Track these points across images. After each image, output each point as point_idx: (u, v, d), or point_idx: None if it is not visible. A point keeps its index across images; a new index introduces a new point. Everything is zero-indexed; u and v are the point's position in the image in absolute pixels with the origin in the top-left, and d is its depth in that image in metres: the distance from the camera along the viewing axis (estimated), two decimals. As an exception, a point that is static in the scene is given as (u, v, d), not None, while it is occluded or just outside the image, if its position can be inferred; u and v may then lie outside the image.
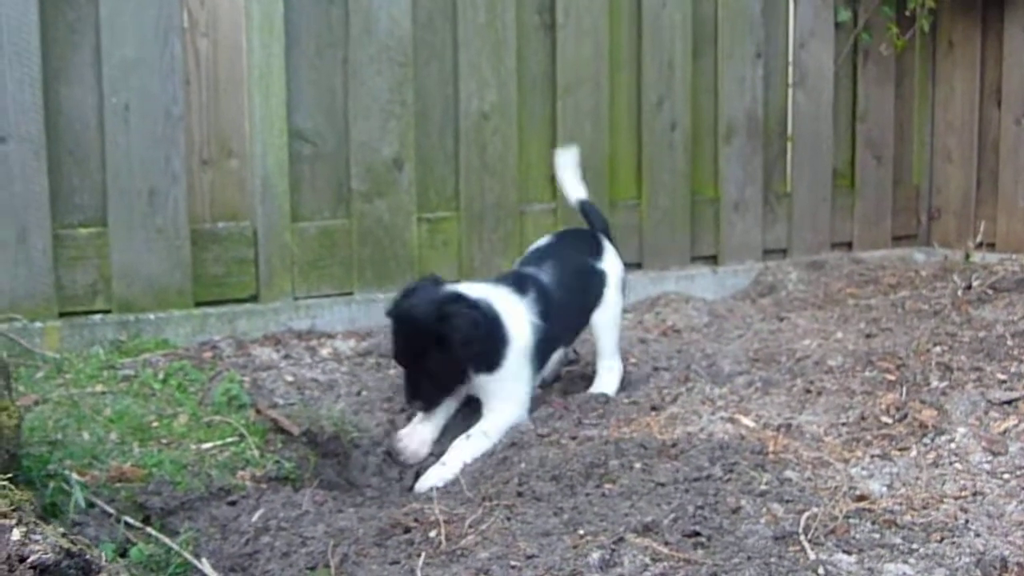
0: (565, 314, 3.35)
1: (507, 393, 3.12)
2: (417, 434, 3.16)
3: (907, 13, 5.20)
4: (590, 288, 3.49)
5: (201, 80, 3.87)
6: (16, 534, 1.32)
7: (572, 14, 4.45)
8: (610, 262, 3.58)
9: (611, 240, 3.67)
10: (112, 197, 3.64)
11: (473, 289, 3.16)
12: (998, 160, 5.24)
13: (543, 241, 3.63)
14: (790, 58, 5.09)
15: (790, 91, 5.11)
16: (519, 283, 3.26)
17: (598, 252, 3.58)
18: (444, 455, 3.00)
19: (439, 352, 2.99)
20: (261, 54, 3.83)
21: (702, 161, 4.88)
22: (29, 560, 1.30)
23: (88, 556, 1.35)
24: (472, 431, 3.04)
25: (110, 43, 3.60)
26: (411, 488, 2.98)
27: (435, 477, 2.91)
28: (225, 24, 3.89)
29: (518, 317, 3.16)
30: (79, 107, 3.62)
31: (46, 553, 1.30)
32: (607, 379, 3.53)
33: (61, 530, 1.39)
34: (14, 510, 1.36)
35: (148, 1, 3.63)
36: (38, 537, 1.33)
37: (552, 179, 4.44)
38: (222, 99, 3.91)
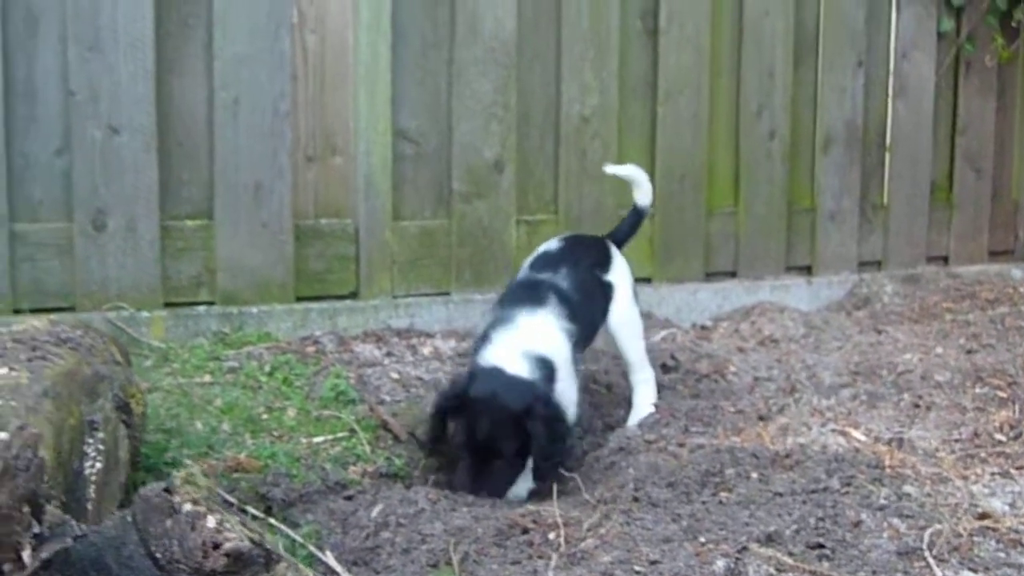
0: (584, 317, 3.23)
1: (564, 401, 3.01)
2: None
3: (1013, 24, 5.10)
4: (597, 299, 3.36)
5: (308, 76, 3.89)
6: (211, 522, 1.34)
7: (675, 20, 4.41)
8: (618, 273, 3.45)
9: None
10: (219, 190, 3.68)
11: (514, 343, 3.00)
12: (1099, 177, 5.13)
13: (552, 246, 3.47)
14: (891, 68, 5.01)
15: (890, 102, 5.03)
16: (538, 294, 3.17)
17: (605, 263, 3.45)
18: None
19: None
20: (368, 52, 3.85)
21: (799, 171, 4.82)
22: (224, 548, 1.32)
23: (268, 546, 1.37)
24: None
25: (222, 37, 3.64)
26: None
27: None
28: (333, 21, 3.91)
29: (554, 335, 3.07)
30: (190, 100, 3.66)
31: (241, 541, 1.32)
32: (644, 392, 3.43)
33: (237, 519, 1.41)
34: (205, 499, 1.38)
35: (260, -4, 3.68)
36: (230, 525, 1.35)
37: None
38: (328, 96, 3.92)
